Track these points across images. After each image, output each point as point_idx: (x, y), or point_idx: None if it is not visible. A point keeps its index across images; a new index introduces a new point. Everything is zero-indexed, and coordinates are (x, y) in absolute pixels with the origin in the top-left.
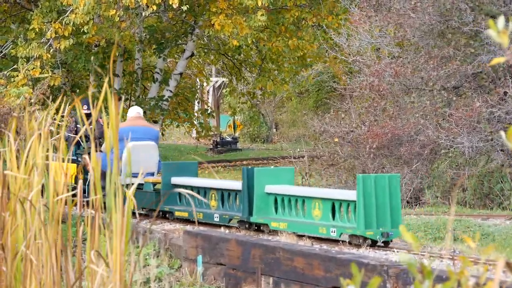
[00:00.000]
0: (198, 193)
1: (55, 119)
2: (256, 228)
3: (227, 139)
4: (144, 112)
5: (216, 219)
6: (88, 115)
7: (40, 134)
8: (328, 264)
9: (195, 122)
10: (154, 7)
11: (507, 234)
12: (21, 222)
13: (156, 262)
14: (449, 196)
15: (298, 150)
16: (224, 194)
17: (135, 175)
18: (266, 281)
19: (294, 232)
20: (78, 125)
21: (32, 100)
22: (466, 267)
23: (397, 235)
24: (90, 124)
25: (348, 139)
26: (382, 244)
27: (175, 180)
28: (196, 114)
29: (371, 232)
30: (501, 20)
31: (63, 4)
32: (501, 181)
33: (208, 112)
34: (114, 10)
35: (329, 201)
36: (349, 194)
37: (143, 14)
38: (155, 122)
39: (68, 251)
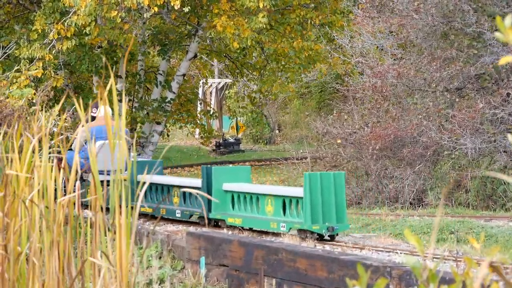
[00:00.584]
0: (162, 190)
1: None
2: (214, 224)
3: (229, 141)
4: (147, 114)
5: (178, 215)
6: (94, 118)
7: (41, 135)
8: (331, 265)
9: (199, 123)
10: (156, 9)
11: (510, 235)
12: (23, 223)
13: (158, 263)
14: (452, 198)
15: (301, 151)
16: (185, 192)
17: (102, 173)
18: (269, 282)
19: (250, 228)
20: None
21: (35, 101)
22: (471, 268)
23: (342, 229)
24: None
25: (350, 140)
26: (329, 238)
27: (140, 177)
28: (198, 115)
29: (317, 227)
30: (508, 18)
31: (66, 5)
32: (504, 183)
33: (211, 113)
34: (116, 12)
35: (280, 198)
36: (298, 191)
37: (145, 15)
38: (158, 123)
39: (71, 252)
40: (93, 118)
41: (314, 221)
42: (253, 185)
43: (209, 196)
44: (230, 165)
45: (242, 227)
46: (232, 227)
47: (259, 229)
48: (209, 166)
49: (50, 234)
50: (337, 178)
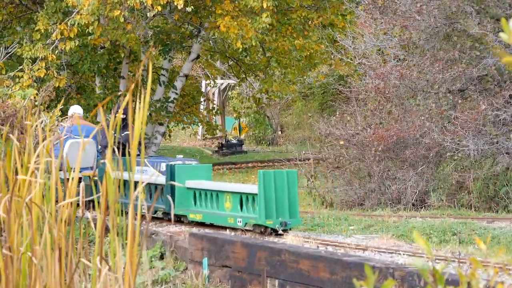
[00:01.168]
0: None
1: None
2: (177, 219)
3: (232, 142)
4: (150, 114)
5: (144, 211)
6: (122, 120)
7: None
8: (334, 267)
9: (203, 120)
10: (159, 8)
11: None
12: (25, 223)
13: (161, 264)
14: (454, 199)
15: (304, 152)
16: (151, 188)
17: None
18: (272, 283)
19: (211, 224)
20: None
21: (37, 103)
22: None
23: (294, 224)
24: (123, 128)
25: (353, 141)
26: (282, 233)
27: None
28: (201, 115)
29: (270, 222)
30: None
31: (68, 5)
32: (507, 184)
33: (215, 110)
34: (119, 11)
35: (238, 194)
36: (253, 188)
37: (148, 15)
38: (161, 124)
39: (71, 254)
40: (122, 120)
41: (268, 217)
42: (213, 183)
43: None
44: (193, 163)
45: (203, 223)
46: (193, 222)
47: (218, 225)
48: (172, 164)
49: (51, 236)
50: (290, 176)
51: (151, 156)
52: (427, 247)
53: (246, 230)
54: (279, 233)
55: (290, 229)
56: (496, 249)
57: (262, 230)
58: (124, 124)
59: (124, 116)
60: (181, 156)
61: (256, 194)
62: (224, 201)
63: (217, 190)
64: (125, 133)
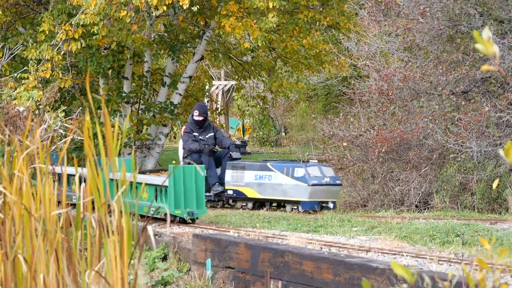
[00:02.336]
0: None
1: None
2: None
3: (236, 143)
4: (153, 116)
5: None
6: (202, 122)
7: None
8: (337, 268)
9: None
10: (164, 8)
11: None
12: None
13: (164, 265)
14: (458, 201)
15: (307, 153)
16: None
17: None
18: (275, 284)
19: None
20: (195, 133)
21: (41, 105)
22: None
23: (200, 214)
24: (205, 130)
25: (357, 143)
26: (190, 221)
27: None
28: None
29: (179, 211)
30: (486, 31)
31: (73, 5)
32: (510, 186)
33: (219, 111)
34: (125, 11)
35: (153, 186)
36: (166, 181)
37: (154, 14)
38: (165, 125)
39: (64, 259)
40: (196, 121)
41: (177, 207)
42: (131, 174)
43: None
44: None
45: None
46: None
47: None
48: (97, 157)
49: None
50: (197, 170)
51: (283, 160)
52: (408, 276)
53: (159, 218)
54: (187, 221)
55: (197, 218)
56: (499, 250)
57: (172, 219)
58: (206, 126)
59: (204, 117)
60: (315, 161)
61: (167, 186)
62: (142, 192)
63: (136, 181)
64: (209, 135)
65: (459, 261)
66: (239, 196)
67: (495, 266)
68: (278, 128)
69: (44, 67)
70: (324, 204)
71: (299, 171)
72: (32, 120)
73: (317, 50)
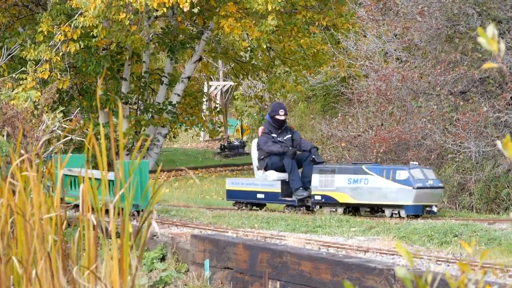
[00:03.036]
0: None
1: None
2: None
3: (234, 143)
4: (152, 116)
5: None
6: (283, 122)
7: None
8: (335, 268)
9: (208, 124)
10: (165, 9)
11: None
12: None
13: (163, 266)
14: (456, 201)
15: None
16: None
17: None
18: (273, 285)
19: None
20: (273, 134)
21: (39, 106)
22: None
23: (143, 206)
24: (283, 131)
25: (355, 143)
26: (135, 214)
27: None
28: (204, 116)
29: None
30: (490, 28)
31: (73, 7)
32: (508, 186)
33: (218, 109)
34: (124, 14)
35: (110, 181)
36: (112, 175)
37: (154, 14)
38: (163, 126)
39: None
40: (277, 121)
41: (122, 200)
42: (82, 169)
43: None
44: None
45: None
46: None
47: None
48: (51, 154)
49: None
50: (143, 165)
51: (376, 164)
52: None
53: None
54: (133, 214)
55: (142, 210)
56: (497, 250)
57: (119, 212)
58: (285, 127)
59: (284, 117)
60: (416, 163)
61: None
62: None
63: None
64: (287, 137)
65: (458, 262)
66: (329, 202)
67: (494, 266)
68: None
69: (43, 68)
70: (428, 208)
71: (402, 174)
72: (30, 121)
73: (315, 50)
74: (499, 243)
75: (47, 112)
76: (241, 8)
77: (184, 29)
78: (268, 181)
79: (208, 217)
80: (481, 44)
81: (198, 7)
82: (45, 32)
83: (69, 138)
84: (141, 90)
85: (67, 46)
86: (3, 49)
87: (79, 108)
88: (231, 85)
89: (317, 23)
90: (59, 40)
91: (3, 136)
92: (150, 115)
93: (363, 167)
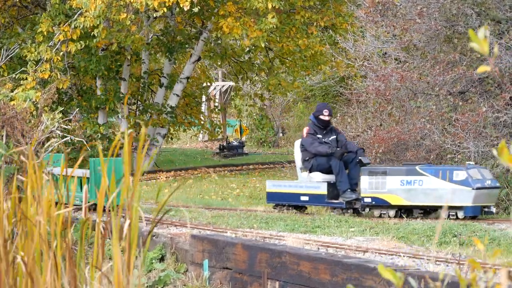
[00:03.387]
0: None
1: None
2: None
3: (233, 144)
4: (150, 116)
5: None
6: (328, 122)
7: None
8: (334, 268)
9: (207, 125)
10: (165, 9)
11: None
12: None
13: (162, 266)
14: None
15: None
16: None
17: None
18: (272, 285)
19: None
20: (319, 135)
21: (39, 105)
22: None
23: (118, 202)
24: (328, 132)
25: (354, 143)
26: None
27: None
28: (203, 117)
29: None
30: (481, 31)
31: (72, 7)
32: (507, 186)
33: (217, 109)
34: (125, 14)
35: (79, 178)
36: (87, 172)
37: (155, 14)
38: (162, 126)
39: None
40: (322, 121)
41: (94, 197)
42: (59, 168)
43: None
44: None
45: None
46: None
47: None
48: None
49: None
50: (116, 163)
51: (430, 164)
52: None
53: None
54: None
55: (117, 205)
56: (496, 250)
57: (93, 208)
58: (330, 128)
59: (329, 118)
60: (472, 163)
61: (89, 178)
62: (71, 183)
63: (63, 174)
64: (332, 138)
65: (457, 262)
66: (380, 204)
67: (494, 267)
68: (276, 129)
69: (43, 67)
70: (486, 209)
71: (460, 174)
72: (30, 121)
73: (313, 51)
74: (498, 243)
75: (46, 112)
76: (240, 8)
77: (182, 30)
78: (313, 183)
79: (207, 217)
80: (473, 48)
81: (199, 7)
82: (45, 33)
83: (68, 138)
84: (140, 90)
85: (67, 46)
86: (2, 50)
87: (78, 109)
88: (230, 85)
89: (315, 23)
90: (59, 40)
91: (2, 136)
92: (149, 116)
93: (417, 168)
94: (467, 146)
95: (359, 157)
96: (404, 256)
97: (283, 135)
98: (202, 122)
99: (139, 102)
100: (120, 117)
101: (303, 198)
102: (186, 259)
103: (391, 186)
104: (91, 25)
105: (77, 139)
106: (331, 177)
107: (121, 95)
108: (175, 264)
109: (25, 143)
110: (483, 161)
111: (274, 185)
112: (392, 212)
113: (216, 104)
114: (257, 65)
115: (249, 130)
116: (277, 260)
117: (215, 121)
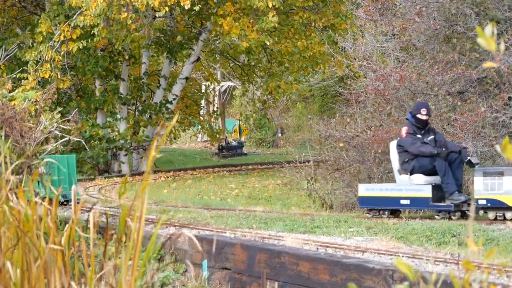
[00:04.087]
0: None
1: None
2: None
3: (232, 144)
4: (150, 117)
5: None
6: (426, 122)
7: None
8: (333, 269)
9: (206, 126)
10: (167, 9)
11: (511, 238)
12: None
13: (161, 266)
14: None
15: (304, 154)
16: None
17: None
18: (271, 285)
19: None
20: (418, 135)
21: (38, 106)
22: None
23: (69, 196)
24: (426, 132)
25: (353, 143)
26: (65, 203)
27: None
28: (202, 118)
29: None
30: (488, 28)
31: (73, 6)
32: None
33: (217, 113)
34: (126, 13)
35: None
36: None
37: (157, 14)
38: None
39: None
40: (420, 121)
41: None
42: None
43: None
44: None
45: None
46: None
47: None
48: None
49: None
50: (70, 159)
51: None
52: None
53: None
54: (63, 203)
55: (70, 200)
56: (492, 250)
57: (49, 202)
58: (428, 128)
59: (427, 117)
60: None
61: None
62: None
63: None
64: (430, 138)
65: (456, 262)
66: (496, 206)
67: (493, 267)
68: (275, 129)
69: (44, 67)
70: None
71: None
72: (28, 121)
73: (312, 53)
74: (497, 243)
75: (45, 111)
76: (239, 8)
77: (182, 30)
78: (415, 185)
79: (206, 217)
80: (480, 45)
81: (199, 6)
82: (44, 33)
83: (67, 138)
84: (139, 91)
85: (67, 46)
86: (1, 50)
87: (76, 109)
88: (229, 85)
89: (314, 23)
90: (59, 40)
91: (1, 137)
92: (149, 116)
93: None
94: (465, 146)
95: (468, 157)
96: (403, 256)
97: (282, 135)
98: (201, 121)
99: (138, 103)
100: (119, 117)
101: (403, 202)
102: (185, 260)
103: (509, 187)
104: (91, 23)
105: (76, 139)
106: (434, 179)
107: (120, 95)
108: (174, 264)
109: (24, 143)
110: (482, 161)
111: (368, 189)
112: (509, 214)
113: (215, 108)
114: (257, 67)
115: (248, 130)
116: (276, 260)
117: (214, 127)
